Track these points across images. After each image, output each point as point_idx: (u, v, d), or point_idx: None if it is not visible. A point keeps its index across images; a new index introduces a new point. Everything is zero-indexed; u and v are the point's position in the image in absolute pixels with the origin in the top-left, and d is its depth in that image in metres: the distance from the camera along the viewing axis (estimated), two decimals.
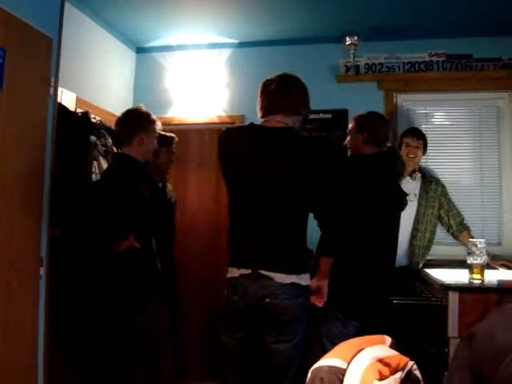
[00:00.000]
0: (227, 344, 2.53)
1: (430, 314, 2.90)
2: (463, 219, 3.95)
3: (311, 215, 2.53)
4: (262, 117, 2.57)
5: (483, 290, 2.61)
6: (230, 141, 2.57)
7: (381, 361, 1.62)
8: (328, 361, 1.66)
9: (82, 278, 3.10)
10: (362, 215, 2.83)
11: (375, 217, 2.86)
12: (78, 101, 3.63)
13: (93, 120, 3.54)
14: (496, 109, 4.25)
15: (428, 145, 3.90)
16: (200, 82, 4.61)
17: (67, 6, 3.05)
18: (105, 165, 3.35)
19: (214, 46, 4.58)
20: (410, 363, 1.71)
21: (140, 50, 4.77)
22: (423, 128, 4.06)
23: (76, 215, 2.92)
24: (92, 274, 3.05)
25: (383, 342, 1.84)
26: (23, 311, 2.63)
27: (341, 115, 4.31)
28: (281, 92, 2.53)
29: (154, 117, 3.08)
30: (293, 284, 2.40)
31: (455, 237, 3.97)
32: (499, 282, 2.80)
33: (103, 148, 3.47)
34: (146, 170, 3.17)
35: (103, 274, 2.94)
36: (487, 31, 4.02)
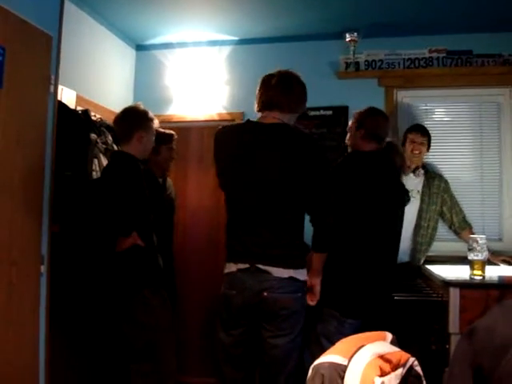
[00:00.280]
0: (224, 341, 2.54)
1: (430, 310, 2.90)
2: (465, 216, 3.95)
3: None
4: (259, 111, 2.59)
5: (484, 286, 2.61)
6: (226, 138, 2.58)
7: (382, 357, 1.62)
8: (329, 357, 1.66)
9: (84, 275, 3.11)
10: (358, 212, 2.82)
11: (372, 214, 2.84)
12: (78, 98, 3.63)
13: (93, 118, 3.54)
14: (496, 105, 4.24)
15: None
16: (200, 80, 4.60)
17: (67, 3, 3.06)
18: (105, 162, 3.35)
19: (213, 43, 4.58)
20: (411, 359, 1.71)
21: (140, 48, 4.77)
22: (423, 124, 4.05)
23: (77, 213, 2.92)
24: (94, 271, 3.06)
25: (384, 339, 1.84)
26: (24, 309, 2.64)
27: (341, 112, 4.30)
28: (281, 88, 2.54)
29: (151, 115, 3.10)
30: (291, 278, 2.42)
31: (457, 233, 3.98)
32: (500, 278, 2.81)
33: (104, 146, 3.48)
34: (147, 166, 3.18)
35: (106, 271, 2.95)
36: (487, 27, 4.01)
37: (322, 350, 1.93)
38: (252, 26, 4.28)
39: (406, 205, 3.11)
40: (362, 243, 2.81)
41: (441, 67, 4.27)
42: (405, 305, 3.05)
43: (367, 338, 1.80)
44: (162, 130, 3.62)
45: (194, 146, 4.65)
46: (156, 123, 3.16)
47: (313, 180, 2.47)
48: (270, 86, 2.55)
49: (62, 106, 3.10)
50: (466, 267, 2.81)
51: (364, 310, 2.78)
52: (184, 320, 4.24)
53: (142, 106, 3.11)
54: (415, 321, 3.11)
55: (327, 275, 2.63)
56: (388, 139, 3.09)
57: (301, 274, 2.47)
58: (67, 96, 3.45)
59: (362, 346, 1.67)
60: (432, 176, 3.94)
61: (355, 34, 4.17)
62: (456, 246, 3.91)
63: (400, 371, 1.63)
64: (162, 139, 3.54)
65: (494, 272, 2.94)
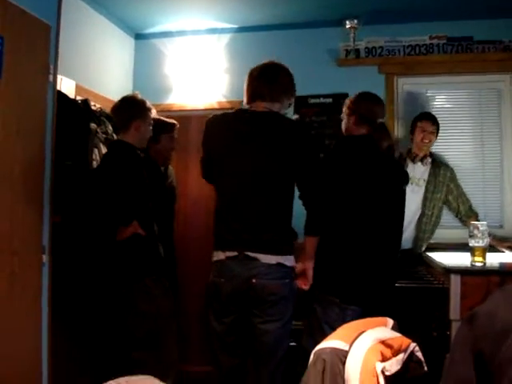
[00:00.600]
0: (217, 329, 2.57)
1: (432, 296, 2.91)
2: (471, 205, 3.96)
3: (296, 198, 2.59)
4: (247, 104, 2.65)
5: (485, 272, 2.62)
6: (217, 126, 2.63)
7: (383, 342, 1.62)
8: (330, 343, 1.66)
9: (86, 264, 3.11)
10: (353, 196, 2.77)
11: (368, 197, 2.78)
12: (78, 88, 3.62)
13: (93, 107, 3.54)
14: (497, 91, 4.23)
15: None
16: (199, 68, 4.58)
17: None
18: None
19: (213, 31, 4.55)
20: (412, 345, 1.72)
21: (139, 37, 4.74)
22: (425, 111, 4.04)
23: (78, 202, 2.92)
24: (95, 260, 3.06)
25: (385, 324, 1.85)
26: (26, 298, 2.65)
27: (341, 99, 4.24)
28: (263, 79, 2.59)
29: (149, 104, 3.13)
30: (278, 264, 2.46)
31: (463, 221, 3.98)
32: (501, 264, 2.81)
33: (104, 135, 3.48)
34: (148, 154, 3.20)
35: (107, 260, 2.95)
36: (488, 13, 3.98)
37: (323, 336, 1.94)
38: (251, 14, 4.25)
39: (405, 185, 3.05)
40: (361, 228, 2.78)
41: (441, 54, 4.25)
42: (406, 292, 3.05)
43: (368, 323, 1.80)
44: (164, 119, 3.61)
45: (194, 134, 4.62)
46: (154, 113, 3.18)
47: (303, 165, 2.51)
48: (253, 77, 2.62)
49: (61, 96, 3.09)
50: (467, 254, 2.81)
51: (364, 296, 2.77)
52: (185, 308, 4.25)
53: (139, 96, 3.14)
54: (416, 308, 3.12)
55: (325, 261, 2.64)
56: (380, 120, 3.03)
57: (288, 261, 2.51)
58: (66, 86, 3.44)
59: (363, 331, 1.67)
60: (438, 165, 3.93)
61: (355, 20, 4.15)
62: (457, 233, 3.91)
63: (401, 356, 1.64)
64: (163, 128, 3.53)
65: (495, 258, 2.94)
